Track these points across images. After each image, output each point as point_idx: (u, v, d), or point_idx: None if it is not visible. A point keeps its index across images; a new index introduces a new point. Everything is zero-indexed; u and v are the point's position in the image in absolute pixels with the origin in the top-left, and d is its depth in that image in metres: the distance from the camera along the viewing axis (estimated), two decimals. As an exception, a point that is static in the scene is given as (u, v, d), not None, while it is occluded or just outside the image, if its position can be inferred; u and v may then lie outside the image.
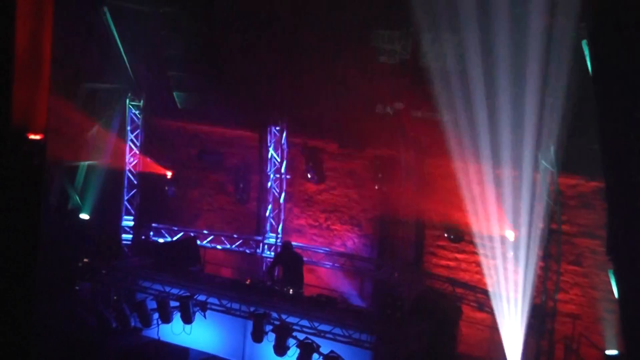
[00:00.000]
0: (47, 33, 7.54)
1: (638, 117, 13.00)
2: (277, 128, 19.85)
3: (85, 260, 18.14)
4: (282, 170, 19.99)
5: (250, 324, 15.88)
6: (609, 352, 15.65)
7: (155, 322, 16.67)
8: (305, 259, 18.10)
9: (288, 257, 17.58)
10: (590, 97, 14.22)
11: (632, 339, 13.45)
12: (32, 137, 7.15)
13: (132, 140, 20.42)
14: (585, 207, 16.65)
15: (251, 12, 19.60)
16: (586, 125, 14.81)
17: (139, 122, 20.36)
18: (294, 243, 19.24)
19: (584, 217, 16.68)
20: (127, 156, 20.45)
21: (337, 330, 15.18)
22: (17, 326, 6.79)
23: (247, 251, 20.32)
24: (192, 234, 19.81)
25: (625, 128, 13.33)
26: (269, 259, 19.85)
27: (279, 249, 19.39)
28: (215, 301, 16.45)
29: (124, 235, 20.22)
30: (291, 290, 16.68)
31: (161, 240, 20.28)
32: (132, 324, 16.93)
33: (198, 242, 19.27)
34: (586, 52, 14.13)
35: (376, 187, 18.80)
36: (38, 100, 7.39)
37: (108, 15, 19.37)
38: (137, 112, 20.30)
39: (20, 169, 6.81)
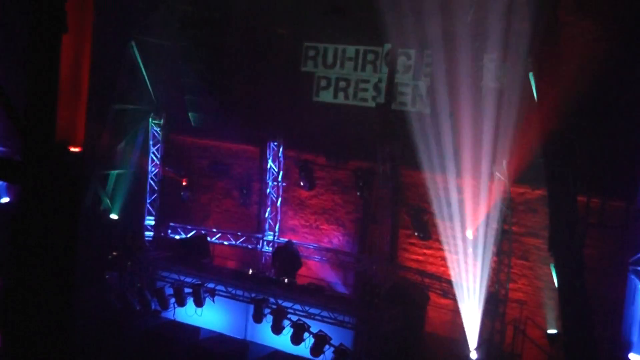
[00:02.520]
0: (85, 64, 7.68)
1: (573, 136, 13.22)
2: (275, 144, 19.91)
3: (114, 253, 18.18)
4: (279, 179, 20.04)
5: (251, 308, 15.96)
6: (550, 331, 15.83)
7: (172, 305, 16.71)
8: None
9: (287, 253, 17.63)
10: (536, 119, 14.46)
11: (568, 320, 13.63)
12: (72, 149, 7.25)
13: (153, 153, 20.40)
14: (531, 211, 16.77)
15: (254, 47, 19.71)
16: (532, 143, 14.95)
17: (160, 138, 20.35)
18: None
19: (530, 220, 16.79)
20: (150, 166, 20.43)
21: (325, 313, 15.30)
22: (60, 309, 6.87)
23: (249, 246, 20.31)
24: (203, 232, 19.80)
25: (564, 145, 13.52)
26: (267, 253, 19.89)
27: (276, 245, 19.45)
28: (222, 288, 16.53)
29: (146, 233, 20.16)
30: (286, 279, 16.78)
31: (177, 236, 20.28)
32: (153, 307, 16.96)
33: (208, 238, 19.28)
34: (532, 82, 14.28)
35: (358, 194, 18.85)
36: (77, 119, 7.52)
37: (135, 48, 19.49)
38: (158, 129, 20.28)
39: (62, 176, 6.88)
